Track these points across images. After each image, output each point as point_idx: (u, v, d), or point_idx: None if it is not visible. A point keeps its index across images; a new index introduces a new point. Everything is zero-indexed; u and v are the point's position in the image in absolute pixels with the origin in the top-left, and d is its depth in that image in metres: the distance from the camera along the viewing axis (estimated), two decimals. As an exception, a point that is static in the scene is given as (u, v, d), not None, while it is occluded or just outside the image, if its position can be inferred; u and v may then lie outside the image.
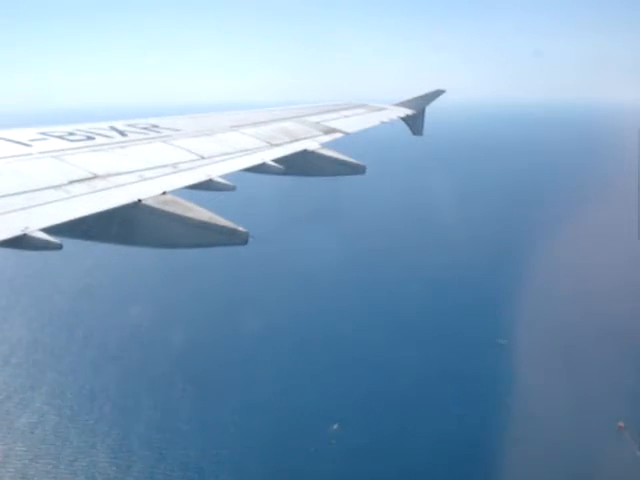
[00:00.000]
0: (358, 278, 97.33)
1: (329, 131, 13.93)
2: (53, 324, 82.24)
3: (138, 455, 54.85)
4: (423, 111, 20.46)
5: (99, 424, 59.56)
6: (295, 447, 55.30)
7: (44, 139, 8.91)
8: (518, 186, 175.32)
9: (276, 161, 10.37)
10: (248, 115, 14.51)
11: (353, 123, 15.80)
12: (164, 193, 7.61)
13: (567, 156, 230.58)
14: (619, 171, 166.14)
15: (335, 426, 57.93)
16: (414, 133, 20.15)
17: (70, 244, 6.44)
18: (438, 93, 21.08)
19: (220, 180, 8.60)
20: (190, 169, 8.87)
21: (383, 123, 17.17)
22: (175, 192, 7.81)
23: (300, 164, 11.59)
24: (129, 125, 10.91)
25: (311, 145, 12.13)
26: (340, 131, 14.25)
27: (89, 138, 9.42)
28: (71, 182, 7.24)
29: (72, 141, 9.06)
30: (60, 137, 9.15)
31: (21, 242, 5.61)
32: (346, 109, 17.74)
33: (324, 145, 12.49)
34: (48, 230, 5.84)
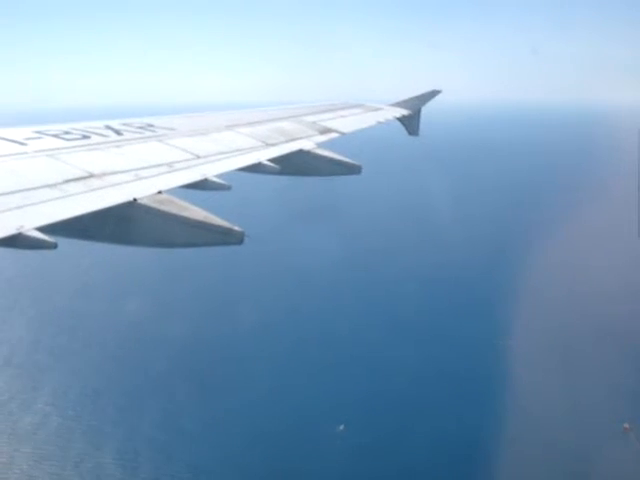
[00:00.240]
0: (354, 278, 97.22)
1: (325, 131, 13.93)
2: (50, 323, 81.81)
3: (144, 456, 54.60)
4: (419, 111, 20.54)
5: (102, 424, 59.31)
6: (295, 447, 55.20)
7: (39, 138, 8.88)
8: (516, 187, 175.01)
9: (272, 161, 10.37)
10: (244, 115, 14.49)
11: (349, 123, 15.80)
12: (160, 192, 7.61)
13: (565, 157, 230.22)
14: (618, 172, 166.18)
15: (341, 427, 57.62)
16: (410, 133, 20.21)
17: (65, 243, 6.42)
18: (434, 93, 21.18)
19: (216, 179, 8.61)
20: (186, 168, 8.87)
21: (379, 123, 17.19)
22: (171, 191, 7.81)
23: (296, 164, 11.59)
24: (125, 124, 10.90)
25: (307, 145, 12.13)
26: (336, 131, 14.26)
27: (84, 137, 9.40)
28: (66, 181, 7.23)
29: (67, 140, 9.04)
30: (55, 136, 9.13)
31: (16, 241, 5.60)
32: (342, 109, 17.75)
33: (320, 145, 12.48)
34: (43, 229, 5.83)
